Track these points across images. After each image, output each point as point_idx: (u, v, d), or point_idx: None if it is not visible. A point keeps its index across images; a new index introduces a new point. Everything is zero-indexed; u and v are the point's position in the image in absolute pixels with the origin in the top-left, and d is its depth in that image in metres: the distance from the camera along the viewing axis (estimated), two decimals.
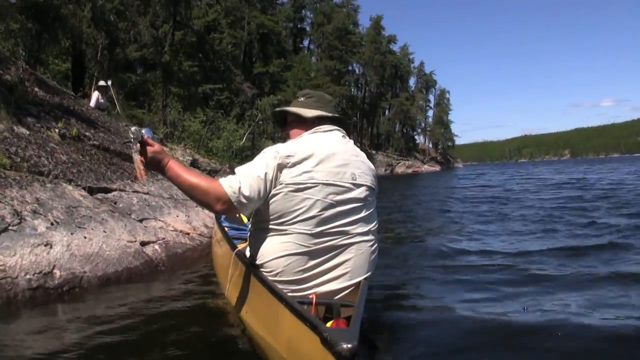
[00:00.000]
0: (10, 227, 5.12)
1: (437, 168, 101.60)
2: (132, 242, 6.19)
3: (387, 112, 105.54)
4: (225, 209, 3.30)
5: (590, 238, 7.78)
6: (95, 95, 16.15)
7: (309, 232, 3.27)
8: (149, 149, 3.33)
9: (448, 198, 18.35)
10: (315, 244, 3.28)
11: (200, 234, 7.55)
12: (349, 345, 2.17)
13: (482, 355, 3.39)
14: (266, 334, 3.09)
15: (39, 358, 3.35)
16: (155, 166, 3.38)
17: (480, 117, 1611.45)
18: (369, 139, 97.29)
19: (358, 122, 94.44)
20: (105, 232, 5.99)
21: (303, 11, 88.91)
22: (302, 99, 3.81)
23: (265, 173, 3.26)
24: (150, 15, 32.00)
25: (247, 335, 3.44)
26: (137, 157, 3.32)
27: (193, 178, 3.30)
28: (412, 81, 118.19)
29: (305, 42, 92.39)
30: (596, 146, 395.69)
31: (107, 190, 7.37)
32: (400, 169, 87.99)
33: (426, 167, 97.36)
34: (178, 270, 6.23)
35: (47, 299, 4.83)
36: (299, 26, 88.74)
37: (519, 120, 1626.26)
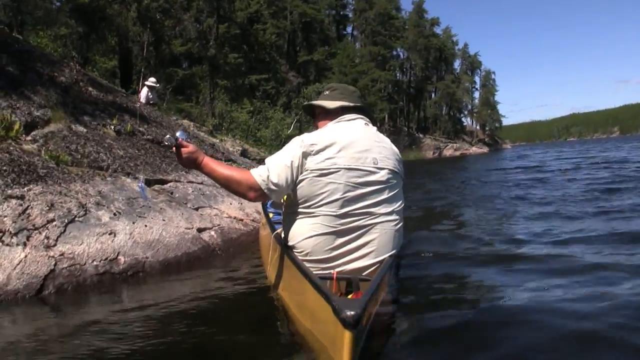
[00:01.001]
0: (76, 219, 5.49)
1: (485, 150, 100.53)
2: (189, 229, 6.54)
3: (433, 95, 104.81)
4: (257, 196, 3.65)
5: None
6: (144, 91, 16.68)
7: (335, 213, 3.54)
8: (183, 150, 3.67)
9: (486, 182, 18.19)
10: (341, 224, 3.55)
11: (252, 220, 7.86)
12: (352, 313, 2.44)
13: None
14: (296, 308, 3.41)
15: (106, 338, 3.62)
16: (191, 165, 3.74)
17: (527, 97, 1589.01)
18: (416, 123, 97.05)
19: (405, 106, 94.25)
20: (164, 220, 6.35)
21: None
22: (327, 92, 4.12)
23: (292, 161, 3.57)
24: (194, 10, 32.38)
25: (283, 311, 3.70)
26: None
27: (227, 171, 3.67)
28: (457, 63, 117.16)
29: (349, 29, 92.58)
30: None
31: (163, 182, 7.72)
32: (448, 152, 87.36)
33: (474, 149, 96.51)
34: (233, 254, 6.55)
35: (113, 283, 5.17)
36: (341, 13, 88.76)
37: (567, 99, 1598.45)
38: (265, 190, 3.57)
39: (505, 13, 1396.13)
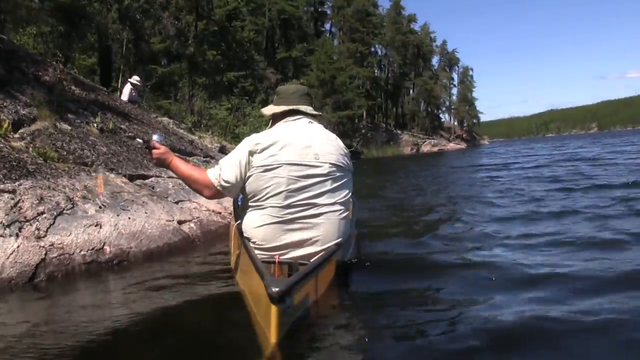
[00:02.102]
0: (64, 211, 5.85)
1: (463, 146, 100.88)
2: (170, 221, 6.93)
3: (411, 91, 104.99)
4: (213, 194, 4.24)
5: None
6: (127, 89, 16.99)
7: (280, 205, 3.95)
8: (154, 152, 4.40)
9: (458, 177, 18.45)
10: (286, 214, 3.95)
11: (230, 213, 8.24)
12: (277, 289, 2.84)
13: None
14: (247, 289, 3.81)
15: (93, 321, 3.95)
16: (162, 164, 4.48)
17: (506, 94, 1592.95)
18: (394, 119, 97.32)
19: (383, 102, 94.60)
20: (146, 213, 6.73)
21: None
22: (275, 97, 4.54)
23: (240, 160, 4.04)
24: (172, 8, 32.51)
25: (241, 293, 4.04)
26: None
27: (188, 170, 4.31)
28: (435, 60, 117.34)
29: (327, 26, 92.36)
30: (623, 118, 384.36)
31: (144, 177, 8.08)
32: (426, 148, 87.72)
33: (452, 145, 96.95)
34: (211, 245, 6.92)
35: (100, 271, 5.54)
36: (319, 10, 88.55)
37: (545, 95, 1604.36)
38: (219, 188, 4.10)
39: (485, 10, 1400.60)
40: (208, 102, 29.05)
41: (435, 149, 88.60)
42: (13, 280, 4.91)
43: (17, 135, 7.20)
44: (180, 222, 7.09)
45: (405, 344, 3.18)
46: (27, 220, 5.45)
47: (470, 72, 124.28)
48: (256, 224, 4.04)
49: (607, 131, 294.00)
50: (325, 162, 4.07)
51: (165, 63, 35.46)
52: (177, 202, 7.73)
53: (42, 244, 5.32)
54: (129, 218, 6.40)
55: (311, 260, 3.83)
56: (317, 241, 4.01)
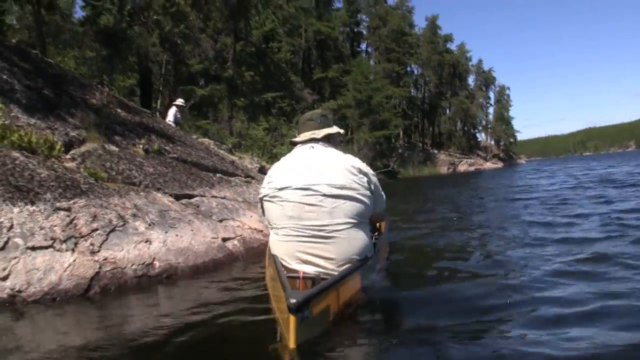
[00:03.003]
0: (117, 228, 6.20)
1: (500, 165, 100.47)
2: (215, 238, 7.26)
3: (447, 111, 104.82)
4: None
5: None
6: (172, 111, 17.61)
7: (292, 227, 4.30)
8: None
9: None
10: (299, 235, 4.27)
11: None
12: (294, 300, 3.19)
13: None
14: (274, 301, 4.11)
15: (143, 332, 4.22)
16: None
17: (543, 112, 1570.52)
18: (430, 139, 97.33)
19: (419, 122, 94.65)
20: (192, 230, 7.07)
21: (358, 15, 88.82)
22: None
23: (260, 196, 4.72)
24: (210, 30, 32.97)
25: (273, 305, 4.28)
26: None
27: None
28: (471, 79, 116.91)
29: (363, 46, 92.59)
30: None
31: (189, 197, 8.41)
32: (462, 167, 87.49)
33: (488, 165, 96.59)
34: (253, 261, 7.21)
35: (150, 284, 5.88)
36: (355, 30, 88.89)
37: (583, 113, 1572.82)
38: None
39: (522, 28, 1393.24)
40: (247, 122, 29.51)
41: (472, 168, 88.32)
42: (69, 292, 5.25)
43: (68, 156, 7.58)
44: (224, 240, 7.43)
45: None
46: (82, 236, 5.80)
47: (507, 91, 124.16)
48: (275, 245, 4.48)
49: None
50: (332, 184, 4.25)
51: (203, 84, 35.84)
52: (220, 221, 8.05)
53: (96, 258, 5.67)
54: (177, 235, 6.75)
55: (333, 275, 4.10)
56: (331, 259, 4.26)
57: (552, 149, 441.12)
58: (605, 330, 3.60)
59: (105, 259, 5.73)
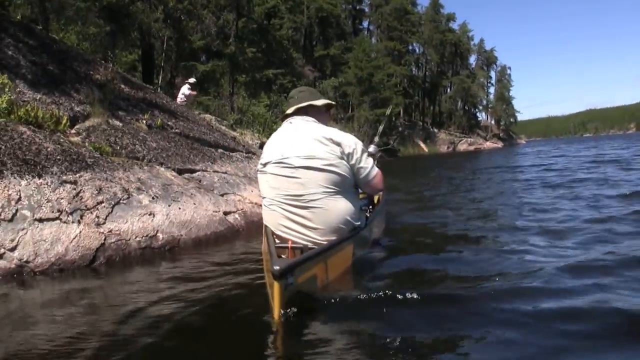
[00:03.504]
0: (121, 201, 6.38)
1: (500, 145, 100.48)
2: (216, 212, 7.46)
3: (448, 90, 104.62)
4: None
5: None
6: (186, 88, 18.23)
7: (279, 199, 4.47)
8: None
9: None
10: (282, 208, 4.45)
11: None
12: (277, 267, 3.28)
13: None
14: (265, 271, 4.17)
15: (146, 300, 4.36)
16: None
17: (544, 93, 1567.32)
18: (431, 117, 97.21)
19: (420, 100, 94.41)
20: (194, 204, 7.25)
21: None
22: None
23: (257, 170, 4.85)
24: (212, 5, 32.90)
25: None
26: None
27: None
28: (472, 59, 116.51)
29: (365, 24, 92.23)
30: None
31: (192, 171, 8.60)
32: (462, 147, 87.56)
33: (488, 144, 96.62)
34: (254, 234, 7.35)
35: (153, 256, 6.10)
36: (357, 8, 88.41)
37: (584, 94, 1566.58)
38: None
39: (525, 8, 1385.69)
40: (248, 99, 29.60)
41: (472, 147, 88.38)
42: (76, 263, 5.45)
43: (73, 131, 7.77)
44: (225, 213, 7.62)
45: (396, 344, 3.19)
46: (88, 209, 5.98)
47: (508, 71, 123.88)
48: (266, 216, 4.66)
49: None
50: (313, 156, 4.36)
51: (205, 60, 35.80)
52: (222, 195, 8.24)
53: (101, 230, 5.86)
54: (179, 208, 6.94)
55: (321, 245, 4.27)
56: (314, 227, 4.40)
57: (552, 129, 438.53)
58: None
59: (110, 231, 5.92)
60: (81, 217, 5.83)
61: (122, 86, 11.12)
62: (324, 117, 4.92)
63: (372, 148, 5.74)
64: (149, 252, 6.14)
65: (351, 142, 4.54)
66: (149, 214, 6.48)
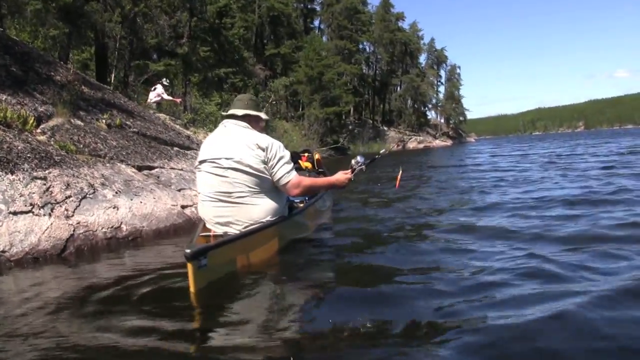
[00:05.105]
0: (88, 195, 6.95)
1: (449, 143, 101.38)
2: (174, 205, 8.08)
3: (398, 89, 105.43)
4: None
5: None
6: (160, 88, 18.91)
7: (207, 194, 5.20)
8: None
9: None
10: (213, 203, 5.16)
11: None
12: (188, 251, 3.97)
13: None
14: None
15: (112, 286, 4.75)
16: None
17: (496, 91, 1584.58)
18: (380, 116, 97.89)
19: (370, 99, 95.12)
20: (154, 198, 7.86)
21: None
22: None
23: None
24: (165, 5, 32.94)
25: None
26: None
27: None
28: (422, 58, 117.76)
29: (316, 23, 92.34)
30: (610, 118, 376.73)
31: (150, 168, 9.17)
32: (412, 145, 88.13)
33: (437, 142, 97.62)
34: None
35: (118, 245, 6.69)
36: (308, 7, 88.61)
37: (534, 93, 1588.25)
38: None
39: (476, 8, 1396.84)
40: (200, 98, 29.94)
41: (421, 145, 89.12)
42: (48, 252, 6.00)
43: (39, 131, 8.23)
44: (183, 207, 8.25)
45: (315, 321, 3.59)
46: (58, 202, 6.53)
47: (458, 70, 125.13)
48: (199, 207, 5.44)
49: (594, 130, 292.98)
50: (237, 160, 5.01)
51: (156, 58, 35.76)
52: (179, 190, 8.84)
53: (70, 222, 6.42)
54: (141, 202, 7.54)
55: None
56: (237, 221, 5.08)
57: (502, 128, 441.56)
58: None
59: (79, 223, 6.49)
60: (52, 210, 6.37)
61: (82, 87, 11.54)
62: (259, 126, 5.51)
63: (360, 158, 6.33)
64: (114, 242, 6.71)
65: (274, 149, 5.15)
66: (113, 207, 7.05)
